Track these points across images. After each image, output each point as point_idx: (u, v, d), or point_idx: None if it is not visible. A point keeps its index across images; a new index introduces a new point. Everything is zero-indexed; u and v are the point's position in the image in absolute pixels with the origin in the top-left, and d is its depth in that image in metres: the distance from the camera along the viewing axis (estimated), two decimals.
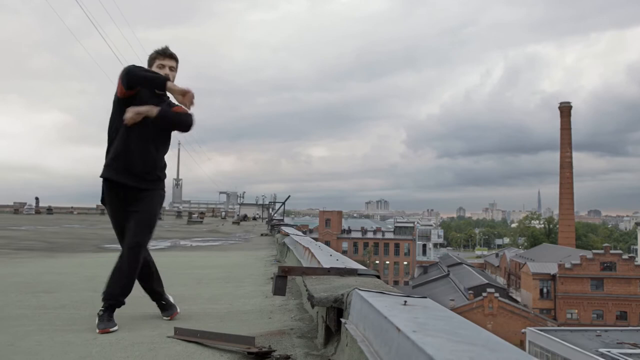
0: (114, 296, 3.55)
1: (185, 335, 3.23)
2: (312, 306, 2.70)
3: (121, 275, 3.56)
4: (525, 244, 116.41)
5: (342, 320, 2.42)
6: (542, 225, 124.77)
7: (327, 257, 4.35)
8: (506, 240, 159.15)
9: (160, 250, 12.32)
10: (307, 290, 2.81)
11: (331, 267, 3.34)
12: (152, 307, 4.04)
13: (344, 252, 76.69)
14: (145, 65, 3.76)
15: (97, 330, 3.43)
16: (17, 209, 53.02)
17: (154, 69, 3.70)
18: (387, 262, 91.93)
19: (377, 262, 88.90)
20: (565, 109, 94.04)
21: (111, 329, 3.43)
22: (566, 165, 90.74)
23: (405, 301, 2.14)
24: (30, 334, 3.44)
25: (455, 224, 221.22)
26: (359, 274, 3.31)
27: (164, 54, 3.76)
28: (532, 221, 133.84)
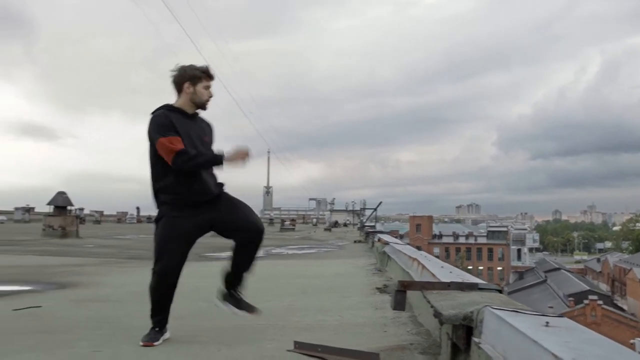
0: None
1: (306, 350, 3.25)
2: (441, 324, 2.65)
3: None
4: (630, 248, 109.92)
5: (475, 339, 2.35)
6: None
7: (440, 269, 4.27)
8: (608, 244, 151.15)
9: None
10: (432, 306, 2.75)
11: (451, 282, 3.27)
12: (258, 319, 4.06)
13: (436, 258, 75.43)
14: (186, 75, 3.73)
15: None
16: (120, 218, 55.98)
17: (200, 88, 3.69)
18: (481, 268, 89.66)
19: (470, 267, 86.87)
20: None
21: None
22: None
23: (547, 322, 2.05)
24: (156, 346, 3.58)
25: (552, 228, 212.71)
26: (480, 289, 3.22)
27: (210, 76, 3.76)
28: (637, 224, 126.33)
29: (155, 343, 3.56)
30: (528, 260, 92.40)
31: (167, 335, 3.70)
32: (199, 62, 3.81)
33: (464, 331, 2.53)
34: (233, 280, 3.82)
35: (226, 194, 3.84)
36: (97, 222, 46.77)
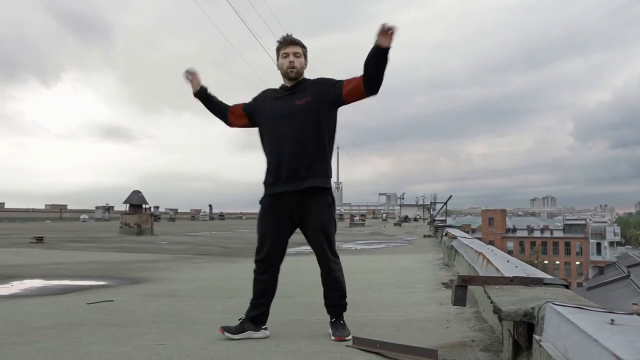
0: None
1: (365, 345, 3.22)
2: (500, 320, 2.55)
3: None
4: None
5: (536, 337, 2.25)
6: None
7: (505, 264, 4.13)
8: None
9: None
10: (491, 302, 2.66)
11: (514, 276, 3.14)
12: (318, 315, 4.04)
13: (510, 252, 73.47)
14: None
15: (334, 338, 3.54)
16: (193, 215, 57.51)
17: (280, 59, 3.64)
18: (557, 262, 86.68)
19: (546, 262, 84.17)
20: None
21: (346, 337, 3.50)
22: None
23: (612, 320, 1.93)
24: (219, 339, 3.63)
25: (635, 220, 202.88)
26: (545, 284, 3.09)
27: (285, 41, 3.67)
28: None
29: (227, 334, 3.57)
30: (609, 255, 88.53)
31: (257, 334, 3.63)
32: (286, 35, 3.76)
33: (525, 328, 2.43)
34: (326, 306, 3.76)
35: (318, 202, 3.63)
36: (172, 219, 48.23)
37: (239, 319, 3.69)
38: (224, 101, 3.95)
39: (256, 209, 3.87)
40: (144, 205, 23.42)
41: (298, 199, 3.57)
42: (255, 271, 3.71)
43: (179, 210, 59.00)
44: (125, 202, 22.99)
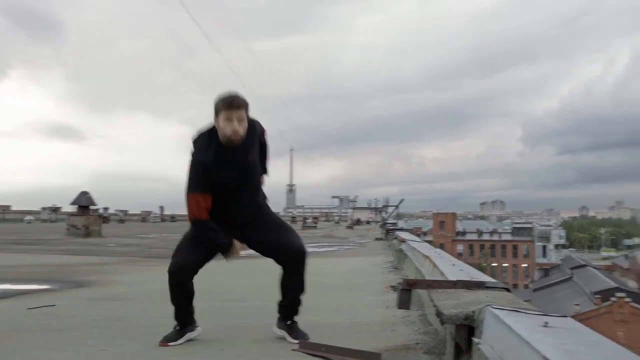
0: None
1: (310, 349, 3.22)
2: (442, 323, 2.60)
3: None
4: None
5: (475, 339, 2.30)
6: None
7: (450, 267, 4.20)
8: (637, 240, 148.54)
9: None
10: (434, 305, 2.70)
11: (457, 280, 3.21)
12: (267, 318, 4.04)
13: (459, 255, 74.97)
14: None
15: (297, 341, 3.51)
16: (144, 217, 56.54)
17: (221, 122, 3.38)
18: (505, 265, 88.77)
19: (494, 264, 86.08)
20: None
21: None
22: None
23: (546, 322, 1.99)
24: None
25: (578, 224, 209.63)
26: (488, 287, 3.16)
27: (230, 105, 3.39)
28: None
29: (171, 343, 3.52)
30: (554, 257, 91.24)
31: (194, 334, 3.65)
32: (235, 89, 3.54)
33: (466, 331, 2.48)
34: (284, 308, 3.72)
35: (267, 215, 3.76)
36: (121, 221, 47.29)
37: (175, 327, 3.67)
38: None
39: None
40: (92, 207, 22.90)
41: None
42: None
43: (129, 212, 57.91)
44: (72, 203, 22.42)
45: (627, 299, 47.15)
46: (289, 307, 3.70)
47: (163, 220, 55.43)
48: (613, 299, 47.32)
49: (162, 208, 59.93)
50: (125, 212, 55.11)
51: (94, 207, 23.18)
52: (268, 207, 3.84)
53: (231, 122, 3.38)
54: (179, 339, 3.57)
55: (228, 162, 3.48)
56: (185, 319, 3.64)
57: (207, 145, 3.47)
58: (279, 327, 3.68)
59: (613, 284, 56.33)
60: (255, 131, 3.63)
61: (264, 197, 3.82)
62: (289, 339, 3.56)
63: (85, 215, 22.13)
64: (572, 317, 2.30)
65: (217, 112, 3.43)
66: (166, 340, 3.54)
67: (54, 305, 5.23)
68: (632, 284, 70.45)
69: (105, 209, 44.46)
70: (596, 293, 51.73)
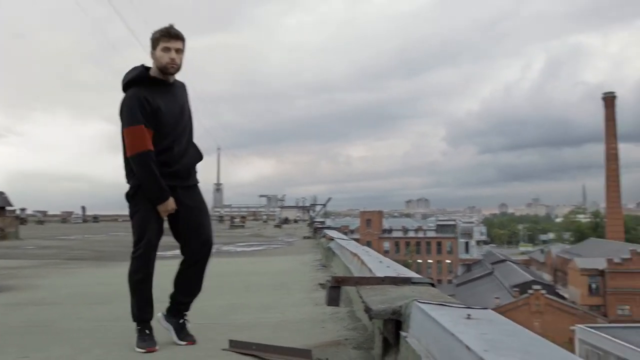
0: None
1: (241, 348, 3.23)
2: (370, 318, 2.66)
3: None
4: (572, 239, 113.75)
5: (402, 333, 2.38)
6: (589, 220, 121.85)
7: (378, 264, 4.30)
8: (551, 235, 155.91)
9: None
10: (363, 301, 2.77)
11: (385, 277, 3.29)
12: (198, 318, 4.02)
13: (386, 252, 76.40)
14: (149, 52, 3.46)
15: (185, 343, 3.47)
16: (65, 218, 54.47)
17: (159, 51, 3.36)
18: (430, 261, 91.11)
19: (420, 261, 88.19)
20: (609, 100, 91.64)
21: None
22: (612, 157, 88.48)
23: (469, 314, 2.08)
24: (90, 348, 3.50)
25: (498, 221, 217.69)
26: (414, 283, 3.26)
27: (169, 34, 3.38)
28: (578, 215, 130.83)
29: (157, 347, 3.36)
30: (476, 253, 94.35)
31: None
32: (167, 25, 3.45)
33: (394, 325, 2.56)
34: (180, 304, 3.59)
35: (199, 193, 3.68)
36: (40, 222, 45.40)
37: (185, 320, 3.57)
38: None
39: None
40: (8, 207, 21.87)
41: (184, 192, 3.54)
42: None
43: (48, 213, 55.65)
44: None
45: (543, 292, 49.48)
46: (186, 304, 3.61)
47: (85, 221, 53.57)
48: (530, 291, 49.54)
49: (84, 208, 57.92)
50: (44, 213, 52.97)
51: (10, 208, 22.14)
52: (203, 197, 3.74)
53: (169, 51, 3.37)
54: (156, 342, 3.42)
55: (167, 96, 3.44)
56: (151, 314, 3.47)
57: (142, 79, 3.41)
58: (169, 322, 3.56)
59: (530, 278, 58.92)
60: (185, 87, 3.66)
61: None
62: (176, 339, 3.50)
63: (1, 217, 21.14)
64: (493, 309, 2.41)
65: (154, 44, 3.39)
66: (152, 345, 3.37)
67: None
68: (547, 277, 73.92)
69: (23, 209, 42.60)
70: (514, 286, 53.99)
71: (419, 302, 2.39)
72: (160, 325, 3.54)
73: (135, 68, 3.48)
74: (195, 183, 3.66)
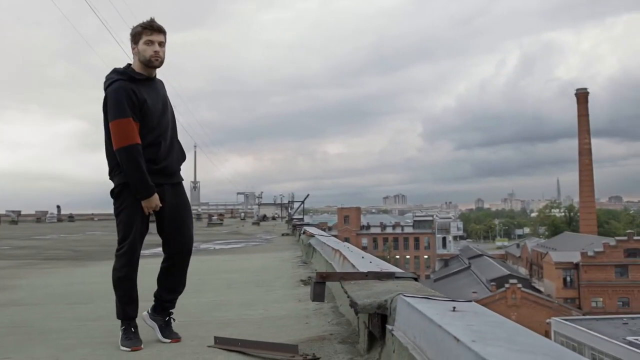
0: None
1: (226, 345, 3.24)
2: (356, 313, 2.69)
3: None
4: (546, 233, 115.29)
5: (388, 326, 2.42)
6: (563, 214, 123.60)
7: (360, 260, 4.34)
8: (526, 230, 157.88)
9: None
10: (348, 296, 2.80)
11: (369, 272, 3.33)
12: (181, 316, 4.02)
13: (364, 248, 76.64)
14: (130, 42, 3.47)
15: (169, 340, 3.47)
16: (39, 217, 53.64)
17: (141, 45, 3.37)
18: (408, 257, 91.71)
19: (398, 256, 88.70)
20: (581, 96, 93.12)
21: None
22: (585, 152, 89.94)
23: (454, 307, 2.13)
24: (73, 347, 3.48)
25: (475, 216, 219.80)
26: (397, 277, 3.30)
27: (151, 27, 3.39)
28: (552, 210, 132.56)
29: (143, 346, 3.34)
30: (453, 248, 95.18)
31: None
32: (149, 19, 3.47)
33: (379, 319, 2.60)
34: (165, 301, 3.58)
35: (183, 192, 3.68)
36: (14, 222, 44.65)
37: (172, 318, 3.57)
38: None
39: (108, 209, 3.71)
40: None
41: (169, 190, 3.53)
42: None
43: (22, 212, 54.73)
44: None
45: (519, 285, 50.18)
46: (171, 301, 3.60)
47: (60, 220, 52.83)
48: (506, 285, 50.23)
49: (59, 207, 57.09)
50: (18, 213, 52.06)
51: None
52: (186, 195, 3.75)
53: (152, 44, 3.38)
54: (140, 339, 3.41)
55: (150, 91, 3.44)
56: (135, 312, 3.45)
57: (132, 75, 3.40)
58: (154, 320, 3.56)
59: (506, 272, 59.76)
60: (164, 87, 3.66)
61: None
62: (161, 337, 3.50)
63: None
64: None
65: (136, 38, 3.40)
66: (137, 344, 3.34)
67: None
68: (523, 271, 74.90)
69: None
70: (491, 280, 54.71)
71: (405, 295, 2.43)
72: (145, 323, 3.54)
73: (118, 69, 3.47)
74: (179, 181, 3.66)
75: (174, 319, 3.60)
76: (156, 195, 3.38)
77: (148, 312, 3.59)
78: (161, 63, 3.46)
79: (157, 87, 3.55)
